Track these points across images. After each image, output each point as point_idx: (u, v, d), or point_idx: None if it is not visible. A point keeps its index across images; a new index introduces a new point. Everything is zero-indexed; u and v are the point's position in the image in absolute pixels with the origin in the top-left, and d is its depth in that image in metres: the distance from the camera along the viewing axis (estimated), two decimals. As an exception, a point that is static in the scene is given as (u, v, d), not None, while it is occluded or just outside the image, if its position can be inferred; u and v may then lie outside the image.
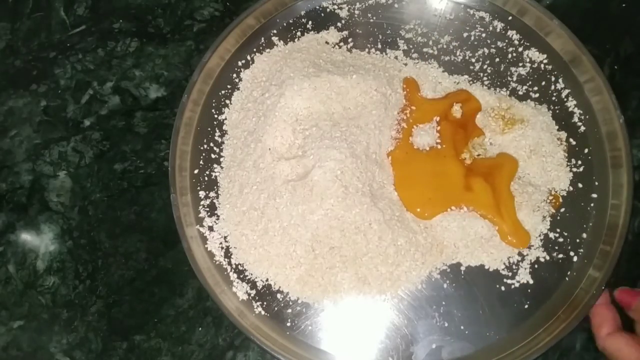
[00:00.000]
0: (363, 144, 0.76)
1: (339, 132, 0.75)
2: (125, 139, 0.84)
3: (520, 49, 0.84)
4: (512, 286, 0.75)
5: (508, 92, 0.82)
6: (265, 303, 0.74)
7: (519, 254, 0.76)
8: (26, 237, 0.81)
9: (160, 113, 0.85)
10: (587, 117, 0.80)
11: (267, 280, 0.75)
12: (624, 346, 0.66)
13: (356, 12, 0.86)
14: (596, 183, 0.78)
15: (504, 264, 0.75)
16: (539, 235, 0.76)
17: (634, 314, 0.68)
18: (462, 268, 0.75)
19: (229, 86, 0.83)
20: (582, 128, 0.80)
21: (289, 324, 0.74)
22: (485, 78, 0.83)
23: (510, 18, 0.85)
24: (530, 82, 0.82)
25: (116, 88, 0.87)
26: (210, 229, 0.77)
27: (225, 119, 0.82)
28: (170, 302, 0.78)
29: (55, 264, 0.80)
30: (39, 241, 0.81)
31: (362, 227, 0.73)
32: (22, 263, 0.80)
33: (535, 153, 0.79)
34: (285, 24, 0.86)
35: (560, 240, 0.76)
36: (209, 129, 0.81)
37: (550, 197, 0.77)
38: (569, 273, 0.75)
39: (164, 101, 0.86)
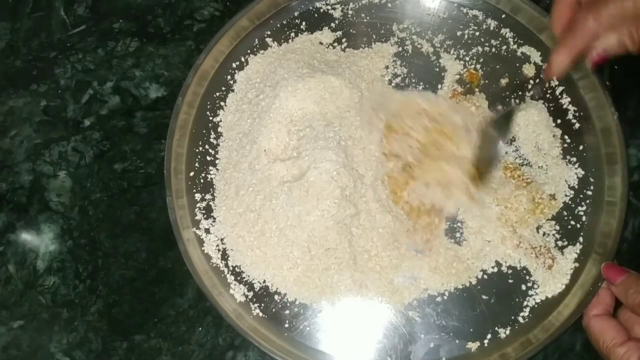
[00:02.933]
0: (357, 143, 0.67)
1: (332, 132, 0.66)
2: (125, 139, 0.75)
3: (514, 47, 0.74)
4: (510, 284, 0.66)
5: (502, 90, 0.73)
6: (262, 305, 0.66)
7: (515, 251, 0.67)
8: (26, 237, 0.72)
9: (160, 113, 0.76)
10: (582, 114, 0.71)
11: (264, 281, 0.66)
12: (609, 328, 0.59)
13: (350, 12, 0.76)
14: (591, 179, 0.69)
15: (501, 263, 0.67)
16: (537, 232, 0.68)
17: (616, 289, 0.61)
18: (460, 267, 0.66)
19: (223, 88, 0.74)
20: (577, 125, 0.71)
21: (287, 325, 0.66)
22: (479, 76, 0.74)
23: (503, 16, 0.75)
24: (524, 80, 0.73)
25: (116, 88, 0.77)
26: (207, 231, 0.68)
27: (220, 121, 0.73)
28: (170, 302, 0.69)
29: (55, 264, 0.71)
30: (39, 241, 0.72)
31: (358, 229, 0.64)
32: (22, 263, 0.71)
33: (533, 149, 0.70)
34: (279, 25, 0.76)
35: (557, 237, 0.68)
36: (204, 131, 0.72)
37: (547, 195, 0.68)
38: (565, 271, 0.66)
39: (164, 101, 0.77)
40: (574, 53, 0.56)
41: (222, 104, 0.73)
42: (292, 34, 0.75)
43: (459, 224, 0.68)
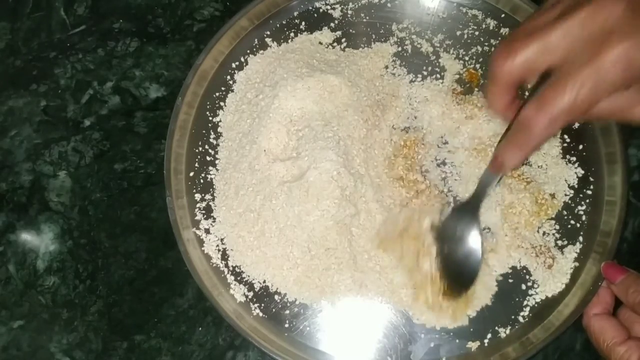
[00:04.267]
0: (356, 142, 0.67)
1: (331, 132, 0.65)
2: (125, 139, 0.74)
3: (513, 47, 0.72)
4: (510, 284, 0.65)
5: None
6: (263, 305, 0.65)
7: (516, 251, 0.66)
8: (26, 237, 0.71)
9: (160, 113, 0.75)
10: (582, 113, 0.69)
11: (264, 281, 0.66)
12: (609, 327, 0.58)
13: (349, 12, 0.75)
14: (591, 179, 0.68)
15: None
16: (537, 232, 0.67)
17: (616, 288, 0.60)
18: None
19: (223, 88, 0.73)
20: (576, 124, 0.70)
21: (287, 325, 0.65)
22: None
23: (503, 16, 0.74)
24: (523, 79, 0.71)
25: (116, 88, 0.76)
26: (207, 231, 0.67)
27: (220, 121, 0.72)
28: (170, 302, 0.69)
29: (55, 264, 0.70)
30: (39, 241, 0.71)
31: (358, 229, 0.64)
32: (22, 263, 0.70)
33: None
34: (278, 25, 0.75)
35: (557, 236, 0.67)
36: (204, 131, 0.71)
37: (547, 195, 0.67)
38: (564, 270, 0.65)
39: (164, 101, 0.76)
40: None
41: (221, 104, 0.72)
42: (292, 34, 0.74)
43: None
